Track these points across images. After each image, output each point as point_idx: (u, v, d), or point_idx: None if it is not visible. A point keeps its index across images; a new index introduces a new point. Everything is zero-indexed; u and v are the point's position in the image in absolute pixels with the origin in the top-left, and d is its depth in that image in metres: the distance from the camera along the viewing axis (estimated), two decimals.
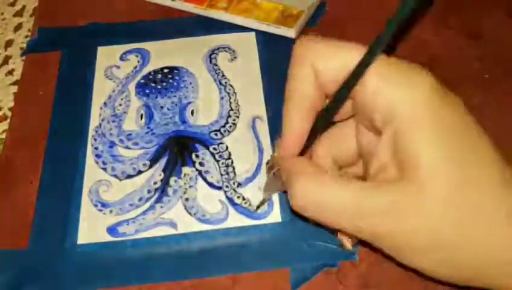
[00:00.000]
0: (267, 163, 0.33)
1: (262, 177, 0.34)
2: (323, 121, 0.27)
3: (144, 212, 0.33)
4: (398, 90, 0.23)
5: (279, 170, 0.29)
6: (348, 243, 0.30)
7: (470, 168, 0.23)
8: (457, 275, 0.25)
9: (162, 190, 0.34)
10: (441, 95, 0.23)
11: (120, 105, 0.38)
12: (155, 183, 0.34)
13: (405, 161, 0.23)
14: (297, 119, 0.27)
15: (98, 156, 0.35)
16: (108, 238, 0.32)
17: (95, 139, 0.36)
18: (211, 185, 0.34)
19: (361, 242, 0.29)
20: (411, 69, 0.23)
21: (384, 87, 0.23)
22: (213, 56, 0.40)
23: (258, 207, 0.33)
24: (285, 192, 0.29)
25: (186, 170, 0.34)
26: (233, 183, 0.34)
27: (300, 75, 0.26)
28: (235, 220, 0.32)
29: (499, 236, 0.23)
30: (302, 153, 0.28)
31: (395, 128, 0.23)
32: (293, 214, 0.31)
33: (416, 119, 0.23)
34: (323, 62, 0.25)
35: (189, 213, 0.33)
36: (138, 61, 0.40)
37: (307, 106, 0.26)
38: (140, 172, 0.35)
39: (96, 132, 0.37)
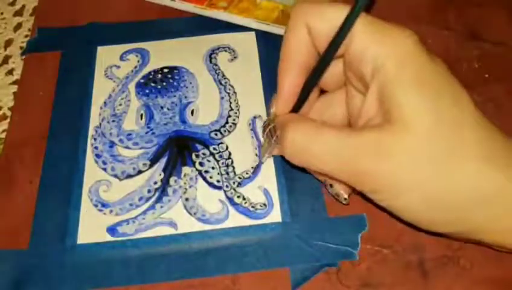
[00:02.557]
0: (263, 124, 0.34)
1: (261, 175, 0.34)
2: (315, 77, 0.28)
3: (144, 212, 0.33)
4: (384, 45, 0.25)
5: (274, 127, 0.30)
6: (343, 193, 0.30)
7: (448, 113, 0.24)
8: (432, 216, 0.26)
9: (162, 189, 0.34)
10: (423, 51, 0.25)
11: (120, 105, 0.38)
12: (155, 183, 0.34)
13: (390, 108, 0.24)
14: (291, 76, 0.29)
15: (98, 156, 0.35)
16: (108, 238, 0.32)
17: (95, 139, 0.36)
18: (211, 185, 0.34)
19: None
20: (395, 27, 0.25)
21: (371, 43, 0.25)
22: (213, 56, 0.40)
23: (252, 173, 0.34)
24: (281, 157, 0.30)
25: (186, 169, 0.34)
26: (233, 183, 0.34)
27: (295, 33, 0.27)
28: (235, 220, 0.32)
29: (470, 175, 0.24)
30: (296, 112, 0.30)
31: (381, 80, 0.25)
32: (288, 164, 0.31)
33: (401, 71, 0.24)
34: (316, 20, 0.27)
35: (189, 213, 0.33)
36: (138, 61, 0.40)
37: (299, 63, 0.28)
38: (140, 172, 0.35)
39: (96, 131, 0.37)
